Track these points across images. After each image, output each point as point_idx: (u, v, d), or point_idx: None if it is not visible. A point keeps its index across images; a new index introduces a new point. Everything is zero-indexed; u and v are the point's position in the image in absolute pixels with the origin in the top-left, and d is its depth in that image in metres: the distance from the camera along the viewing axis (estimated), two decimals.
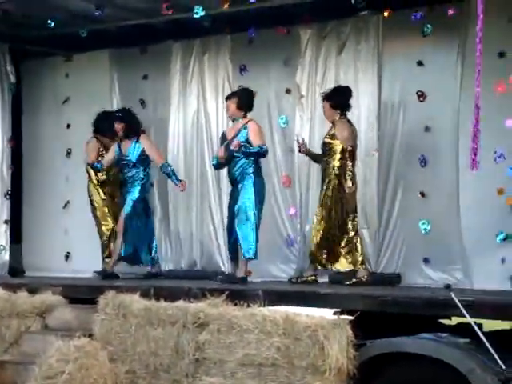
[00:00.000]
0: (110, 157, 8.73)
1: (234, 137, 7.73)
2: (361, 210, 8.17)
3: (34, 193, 10.03)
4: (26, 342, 6.99)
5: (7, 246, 9.53)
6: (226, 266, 8.92)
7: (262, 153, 7.68)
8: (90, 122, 9.10)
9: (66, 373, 5.86)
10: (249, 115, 7.88)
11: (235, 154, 7.65)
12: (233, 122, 7.97)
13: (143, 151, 8.54)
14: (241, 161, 7.67)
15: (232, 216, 7.76)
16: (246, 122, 7.75)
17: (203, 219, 9.17)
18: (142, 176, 8.59)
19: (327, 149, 7.69)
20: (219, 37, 9.04)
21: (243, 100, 7.83)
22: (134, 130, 8.60)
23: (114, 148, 8.71)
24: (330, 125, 7.81)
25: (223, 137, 8.00)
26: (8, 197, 9.58)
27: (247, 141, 7.66)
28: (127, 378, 6.38)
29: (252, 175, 7.67)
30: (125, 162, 8.60)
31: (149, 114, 9.49)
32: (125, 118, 8.58)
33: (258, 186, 7.69)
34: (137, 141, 8.56)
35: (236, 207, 7.67)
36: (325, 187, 7.67)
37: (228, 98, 7.96)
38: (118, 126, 8.57)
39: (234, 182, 7.81)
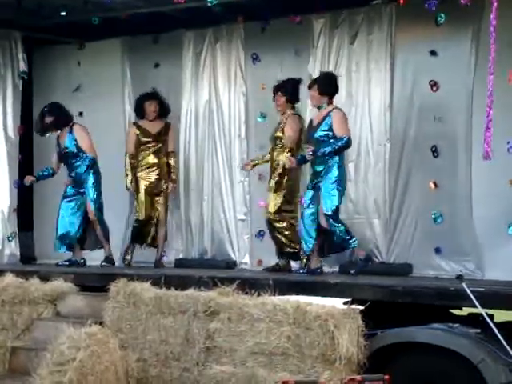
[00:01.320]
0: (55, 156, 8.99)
1: (317, 125, 7.45)
2: (373, 200, 8.17)
3: (45, 180, 10.04)
4: (38, 328, 7.03)
5: (16, 233, 9.55)
6: (236, 254, 8.94)
7: (344, 145, 7.35)
8: (101, 109, 9.11)
9: (78, 360, 5.88)
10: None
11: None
12: (318, 109, 7.63)
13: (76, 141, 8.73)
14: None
15: (313, 207, 7.45)
16: (331, 110, 7.44)
17: (214, 208, 9.17)
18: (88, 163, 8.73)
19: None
20: (231, 25, 9.02)
21: (324, 85, 7.53)
22: (63, 122, 8.79)
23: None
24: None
25: (310, 124, 7.65)
26: (16, 185, 9.60)
27: (330, 130, 7.35)
28: (138, 365, 6.42)
29: (335, 165, 7.35)
30: (67, 154, 8.77)
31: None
32: (53, 111, 8.77)
33: (341, 177, 7.42)
34: (70, 132, 8.74)
35: (320, 198, 7.39)
36: None
37: (310, 87, 7.64)
38: (49, 119, 8.76)
39: (316, 172, 7.49)
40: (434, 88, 7.92)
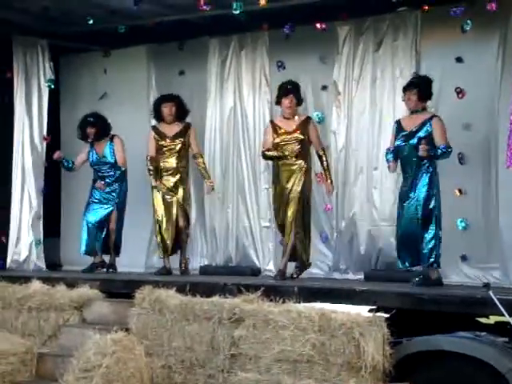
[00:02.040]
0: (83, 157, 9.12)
1: (417, 131, 7.20)
2: (397, 208, 8.13)
3: (72, 187, 10.12)
4: (64, 335, 7.06)
5: (41, 240, 9.62)
6: (260, 261, 8.95)
7: (447, 155, 7.14)
8: (127, 117, 9.16)
9: (104, 366, 5.90)
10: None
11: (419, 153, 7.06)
12: (412, 113, 7.40)
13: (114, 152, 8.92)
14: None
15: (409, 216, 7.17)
16: (431, 117, 7.23)
17: (239, 215, 9.19)
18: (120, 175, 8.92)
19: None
20: (256, 33, 9.06)
21: (426, 90, 7.31)
22: (105, 133, 8.98)
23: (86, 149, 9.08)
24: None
25: (398, 125, 7.41)
26: (42, 193, 9.67)
27: (430, 137, 7.13)
28: (163, 372, 6.42)
29: (430, 171, 7.14)
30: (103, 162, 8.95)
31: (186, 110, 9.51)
32: (97, 122, 8.95)
33: (437, 183, 7.21)
34: (111, 143, 8.95)
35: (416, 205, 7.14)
36: None
37: (406, 90, 7.34)
38: (91, 131, 8.94)
39: (410, 176, 7.21)
40: (460, 95, 7.89)
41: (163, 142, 8.66)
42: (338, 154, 8.58)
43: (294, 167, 7.74)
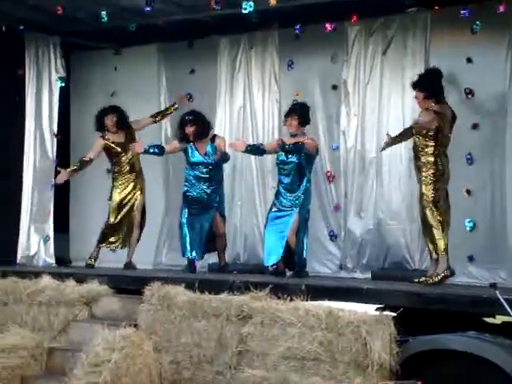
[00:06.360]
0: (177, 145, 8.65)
1: None
2: (405, 207, 8.17)
3: (81, 184, 10.17)
4: (74, 330, 7.13)
5: (52, 236, 9.67)
6: None
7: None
8: (137, 114, 9.19)
9: (112, 361, 5.96)
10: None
11: None
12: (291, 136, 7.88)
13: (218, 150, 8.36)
14: None
15: None
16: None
17: (247, 213, 9.23)
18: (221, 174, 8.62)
19: None
20: (266, 32, 9.08)
21: (304, 116, 7.91)
22: (206, 132, 8.51)
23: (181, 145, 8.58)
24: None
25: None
26: (52, 188, 9.72)
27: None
28: (171, 368, 6.48)
29: None
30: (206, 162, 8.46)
31: (195, 108, 9.53)
32: (197, 120, 8.44)
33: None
34: (212, 142, 8.47)
35: None
36: None
37: (288, 115, 7.91)
38: (190, 129, 8.41)
39: None
40: (470, 96, 7.91)
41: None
42: (346, 154, 8.60)
43: None
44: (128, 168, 8.94)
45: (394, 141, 7.30)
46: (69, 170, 8.87)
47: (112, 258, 9.13)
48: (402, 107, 8.33)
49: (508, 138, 7.51)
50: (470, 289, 6.89)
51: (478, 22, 7.48)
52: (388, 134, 7.34)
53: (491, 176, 7.83)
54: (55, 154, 9.80)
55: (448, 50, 8.11)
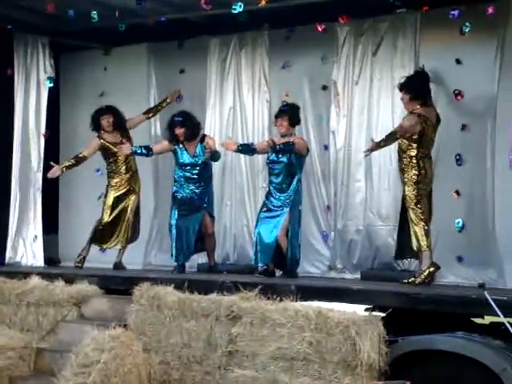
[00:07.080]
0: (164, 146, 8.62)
1: None
2: (394, 208, 8.19)
3: (71, 184, 10.16)
4: (63, 330, 7.11)
5: (40, 236, 9.64)
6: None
7: None
8: (127, 115, 9.17)
9: (101, 362, 5.95)
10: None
11: None
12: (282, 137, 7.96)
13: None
14: None
15: None
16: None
17: (237, 213, 9.24)
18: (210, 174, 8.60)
19: None
20: (256, 33, 9.09)
21: (294, 117, 8.00)
22: (195, 133, 8.46)
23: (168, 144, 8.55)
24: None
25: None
26: (41, 188, 9.68)
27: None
28: (160, 368, 6.47)
29: None
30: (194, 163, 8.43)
31: (185, 108, 9.52)
32: (185, 122, 8.39)
33: None
34: (201, 142, 8.43)
35: None
36: None
37: (278, 117, 7.99)
38: (180, 131, 8.37)
39: None
40: (459, 97, 7.93)
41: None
42: (336, 154, 8.61)
43: None
44: (124, 168, 8.94)
45: (377, 146, 7.34)
46: (63, 165, 8.85)
47: (101, 259, 9.13)
48: (391, 107, 8.35)
49: (497, 139, 7.53)
50: (459, 289, 6.92)
51: (467, 23, 7.50)
52: (372, 140, 7.38)
53: (480, 177, 7.85)
54: (43, 153, 9.77)
55: (437, 50, 8.13)
